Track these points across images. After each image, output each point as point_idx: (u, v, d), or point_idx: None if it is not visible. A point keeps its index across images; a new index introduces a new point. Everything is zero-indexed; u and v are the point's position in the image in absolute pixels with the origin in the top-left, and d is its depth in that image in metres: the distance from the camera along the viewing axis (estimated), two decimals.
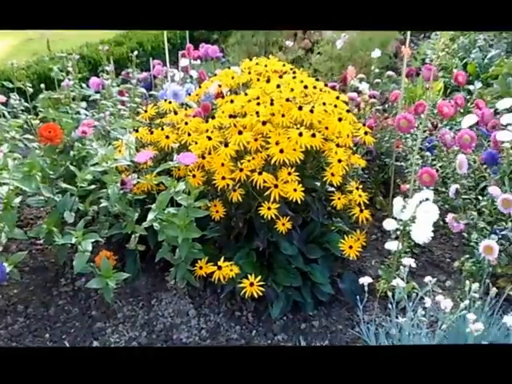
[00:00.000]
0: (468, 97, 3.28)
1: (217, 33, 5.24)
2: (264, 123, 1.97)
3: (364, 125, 2.26)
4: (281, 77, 2.29)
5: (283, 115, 1.99)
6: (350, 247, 2.07)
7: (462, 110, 2.94)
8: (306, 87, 2.14)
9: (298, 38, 4.35)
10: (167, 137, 2.19)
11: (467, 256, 2.12)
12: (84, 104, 2.63)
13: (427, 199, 1.95)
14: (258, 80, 2.34)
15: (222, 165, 1.99)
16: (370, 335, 1.78)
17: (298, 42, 4.30)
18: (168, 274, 2.14)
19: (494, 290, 1.67)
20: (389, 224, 2.05)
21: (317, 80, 2.33)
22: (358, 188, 2.14)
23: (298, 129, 1.96)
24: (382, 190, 2.85)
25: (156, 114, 2.47)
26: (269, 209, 1.93)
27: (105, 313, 2.13)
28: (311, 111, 1.98)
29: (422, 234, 1.90)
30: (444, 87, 3.64)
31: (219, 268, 1.97)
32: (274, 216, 1.94)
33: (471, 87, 3.32)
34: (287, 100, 2.05)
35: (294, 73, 2.37)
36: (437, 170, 2.47)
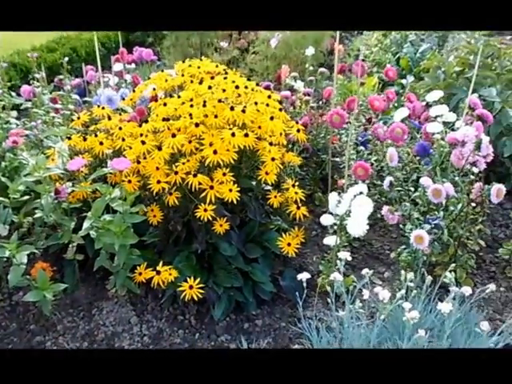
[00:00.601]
0: (401, 91, 3.36)
1: (152, 35, 5.18)
2: (197, 125, 1.96)
3: (297, 122, 2.27)
4: (213, 78, 2.28)
5: (216, 116, 1.99)
6: (289, 244, 2.09)
7: (395, 104, 3.01)
8: (237, 87, 2.14)
9: (233, 38, 4.36)
10: (101, 143, 2.16)
11: (403, 247, 2.17)
12: (15, 113, 2.58)
13: (361, 193, 1.98)
14: (192, 82, 2.33)
15: (157, 168, 1.97)
16: (312, 330, 1.80)
17: (233, 43, 4.31)
18: (108, 283, 2.11)
19: (429, 279, 1.71)
20: (326, 219, 2.08)
21: (248, 80, 2.34)
22: (294, 185, 2.16)
23: (231, 129, 1.96)
24: (320, 186, 2.89)
25: (90, 120, 2.42)
26: (205, 210, 1.93)
27: (44, 326, 2.07)
28: (243, 111, 1.98)
29: (358, 227, 1.93)
30: (378, 82, 3.72)
31: (158, 273, 1.95)
32: (211, 217, 1.94)
33: (404, 81, 3.40)
34: (219, 101, 2.05)
35: (226, 73, 2.37)
36: (372, 164, 2.52)
